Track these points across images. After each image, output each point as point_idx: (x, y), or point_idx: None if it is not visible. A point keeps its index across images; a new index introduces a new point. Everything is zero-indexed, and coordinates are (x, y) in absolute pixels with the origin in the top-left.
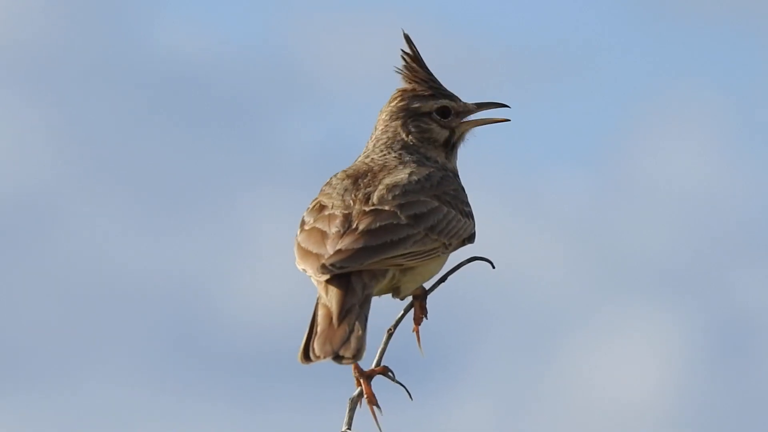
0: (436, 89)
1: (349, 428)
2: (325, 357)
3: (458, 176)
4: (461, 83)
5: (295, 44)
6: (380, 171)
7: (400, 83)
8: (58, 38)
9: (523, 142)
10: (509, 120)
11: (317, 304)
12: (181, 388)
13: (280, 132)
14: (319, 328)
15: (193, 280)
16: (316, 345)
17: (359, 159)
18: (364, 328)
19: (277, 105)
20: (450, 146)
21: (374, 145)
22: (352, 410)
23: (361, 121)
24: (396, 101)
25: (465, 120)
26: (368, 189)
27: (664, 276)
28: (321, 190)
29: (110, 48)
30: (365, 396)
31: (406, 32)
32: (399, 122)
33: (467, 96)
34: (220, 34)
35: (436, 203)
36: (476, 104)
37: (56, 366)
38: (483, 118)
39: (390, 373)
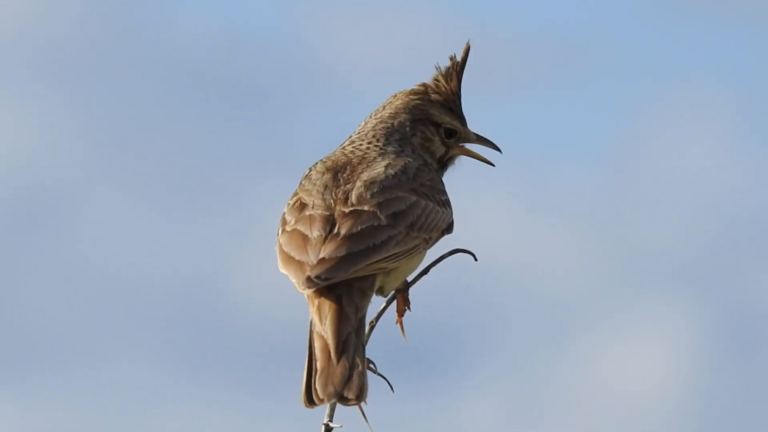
0: (457, 107)
1: (330, 420)
2: (329, 400)
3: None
4: (468, 75)
5: (313, 34)
6: (359, 164)
7: (417, 77)
8: (74, 28)
9: (534, 136)
10: (494, 165)
11: (311, 332)
12: (189, 372)
13: (297, 122)
14: (318, 365)
15: (207, 268)
16: (319, 387)
17: (352, 142)
18: (363, 360)
19: (296, 95)
20: (442, 163)
21: (373, 126)
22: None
23: None
24: (417, 97)
25: (461, 145)
26: (347, 186)
27: (676, 269)
28: (300, 184)
29: (126, 35)
30: None
31: (469, 43)
32: (408, 116)
33: (471, 94)
34: (237, 22)
35: (414, 198)
36: (477, 136)
37: (74, 349)
38: (473, 152)
39: (372, 365)
